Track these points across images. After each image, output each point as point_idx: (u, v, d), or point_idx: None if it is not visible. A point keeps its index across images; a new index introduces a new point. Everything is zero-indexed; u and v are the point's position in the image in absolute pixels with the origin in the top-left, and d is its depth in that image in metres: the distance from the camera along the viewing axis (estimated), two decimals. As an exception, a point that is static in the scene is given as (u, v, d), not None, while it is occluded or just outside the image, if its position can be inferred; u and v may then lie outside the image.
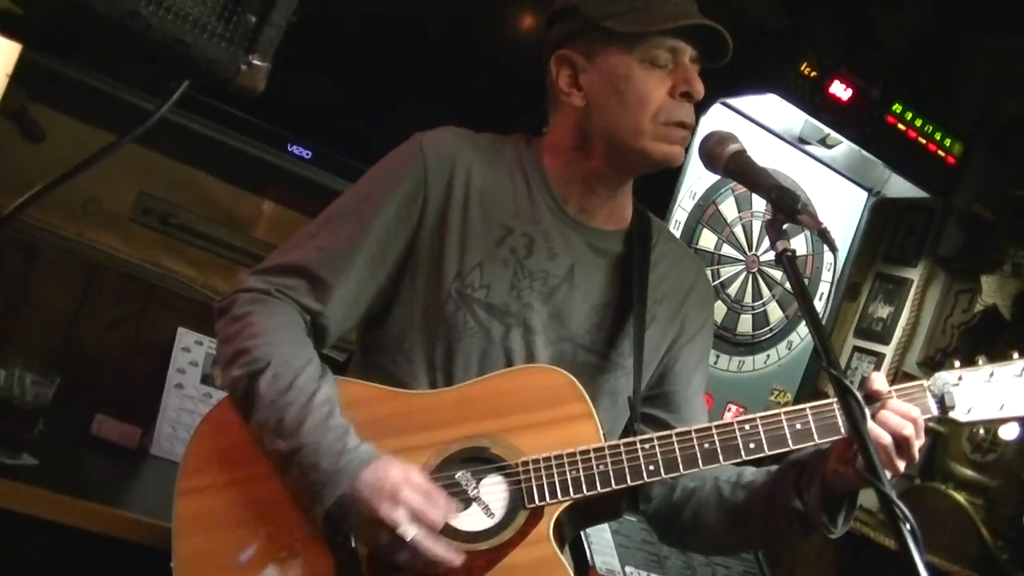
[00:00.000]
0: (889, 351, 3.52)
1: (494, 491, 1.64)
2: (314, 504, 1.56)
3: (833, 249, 1.57)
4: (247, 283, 1.75)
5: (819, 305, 3.34)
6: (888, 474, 1.50)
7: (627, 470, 1.64)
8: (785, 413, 1.66)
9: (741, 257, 3.19)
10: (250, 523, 1.64)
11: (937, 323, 3.51)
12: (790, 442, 1.65)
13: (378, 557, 1.58)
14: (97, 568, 2.15)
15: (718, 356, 3.20)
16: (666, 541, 2.03)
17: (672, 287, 1.91)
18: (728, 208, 3.15)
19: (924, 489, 3.47)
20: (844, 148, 3.19)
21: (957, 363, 1.71)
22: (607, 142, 1.77)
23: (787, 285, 3.15)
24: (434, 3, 2.93)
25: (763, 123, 3.13)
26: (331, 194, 1.88)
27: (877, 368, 3.51)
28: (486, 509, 1.63)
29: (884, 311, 3.57)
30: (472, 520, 1.62)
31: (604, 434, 1.69)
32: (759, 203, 3.19)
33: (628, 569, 2.66)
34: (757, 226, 3.21)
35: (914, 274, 3.53)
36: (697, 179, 3.06)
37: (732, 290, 3.19)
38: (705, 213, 3.11)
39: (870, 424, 1.56)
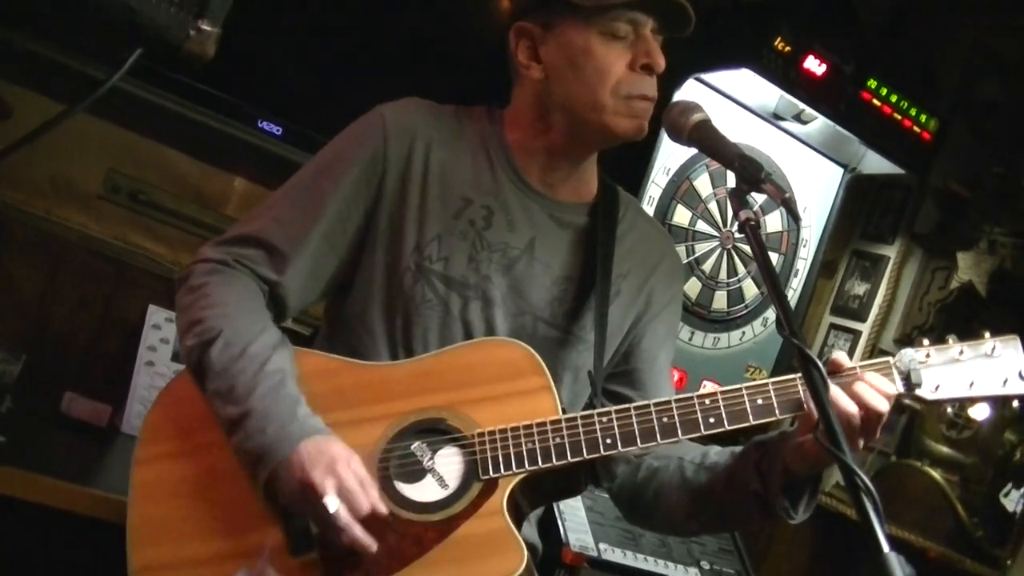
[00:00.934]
0: (866, 328, 3.51)
1: (449, 462, 1.63)
2: (256, 469, 1.56)
3: (796, 218, 1.57)
4: (205, 254, 1.75)
5: (795, 282, 3.34)
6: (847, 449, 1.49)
7: (583, 443, 1.62)
8: (747, 388, 1.63)
9: (716, 233, 3.18)
10: (203, 491, 1.64)
11: (914, 300, 3.50)
12: (751, 417, 1.61)
13: None
14: (67, 546, 2.15)
15: (693, 333, 3.18)
16: (632, 521, 2.01)
17: (639, 261, 1.89)
18: (703, 184, 3.13)
19: (900, 466, 3.48)
20: (819, 124, 3.17)
21: (926, 341, 1.68)
22: (567, 116, 1.76)
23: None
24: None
25: (737, 99, 3.11)
26: (302, 171, 1.85)
27: (854, 346, 3.51)
28: (440, 480, 1.62)
29: (860, 288, 3.56)
30: (425, 491, 1.61)
31: (564, 408, 1.68)
32: (734, 179, 3.17)
33: (602, 546, 2.65)
34: (732, 202, 3.20)
35: (891, 251, 3.51)
36: (671, 155, 3.04)
37: (707, 266, 3.18)
38: (679, 189, 3.09)
39: (840, 396, 1.55)
